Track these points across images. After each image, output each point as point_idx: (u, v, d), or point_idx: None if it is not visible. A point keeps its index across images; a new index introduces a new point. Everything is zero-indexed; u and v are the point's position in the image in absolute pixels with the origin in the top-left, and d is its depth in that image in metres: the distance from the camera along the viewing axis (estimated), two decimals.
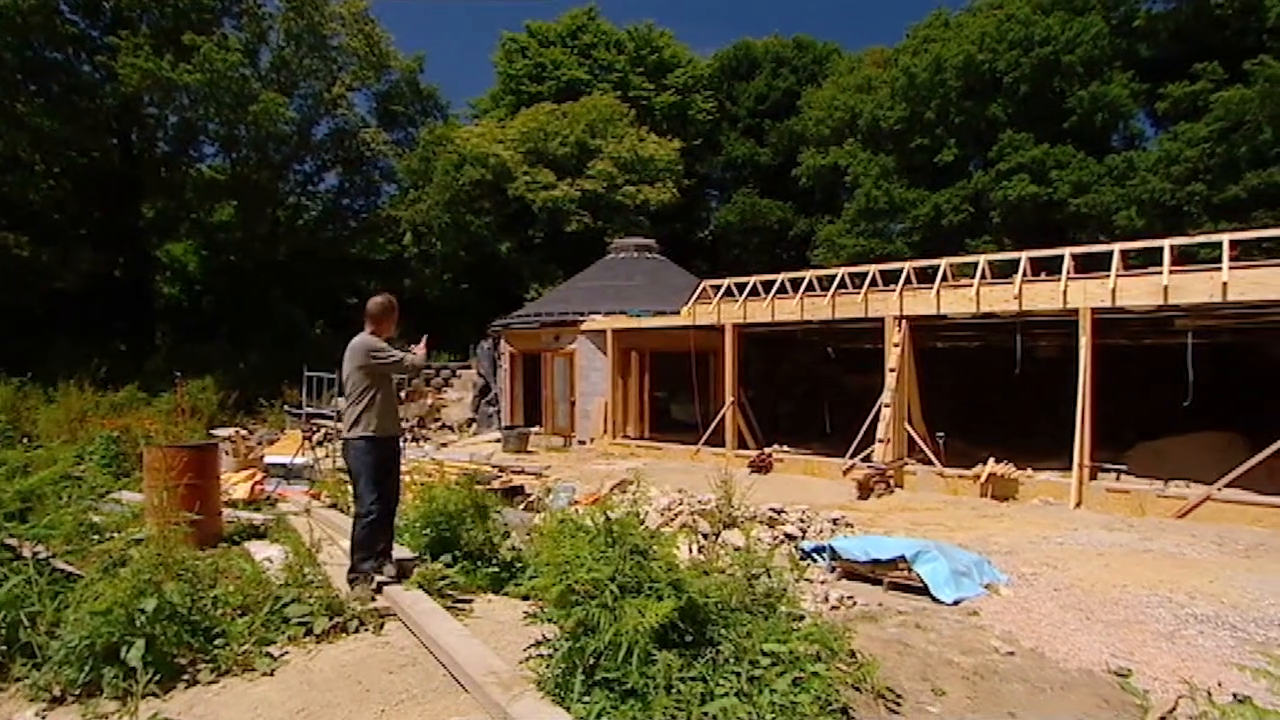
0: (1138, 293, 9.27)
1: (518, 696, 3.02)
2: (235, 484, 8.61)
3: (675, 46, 33.52)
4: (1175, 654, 4.28)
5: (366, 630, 4.32)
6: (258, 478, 9.09)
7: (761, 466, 11.99)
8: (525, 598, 4.67)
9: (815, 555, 6.13)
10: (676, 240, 29.42)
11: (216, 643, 3.84)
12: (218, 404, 18.09)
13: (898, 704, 3.37)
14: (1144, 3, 23.69)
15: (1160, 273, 9.13)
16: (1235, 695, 2.93)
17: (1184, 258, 10.23)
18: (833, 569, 5.84)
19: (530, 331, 17.84)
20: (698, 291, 14.47)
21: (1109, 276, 9.46)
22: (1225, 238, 9.19)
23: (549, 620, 2.96)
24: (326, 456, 12.40)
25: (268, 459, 11.52)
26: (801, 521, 7.03)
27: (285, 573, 4.67)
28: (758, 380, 16.00)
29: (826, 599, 5.09)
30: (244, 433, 14.69)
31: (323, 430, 15.88)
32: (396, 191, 31.34)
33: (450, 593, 4.87)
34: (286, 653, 3.94)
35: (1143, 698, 3.50)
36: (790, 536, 6.62)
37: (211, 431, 14.36)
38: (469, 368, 22.72)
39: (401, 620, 4.46)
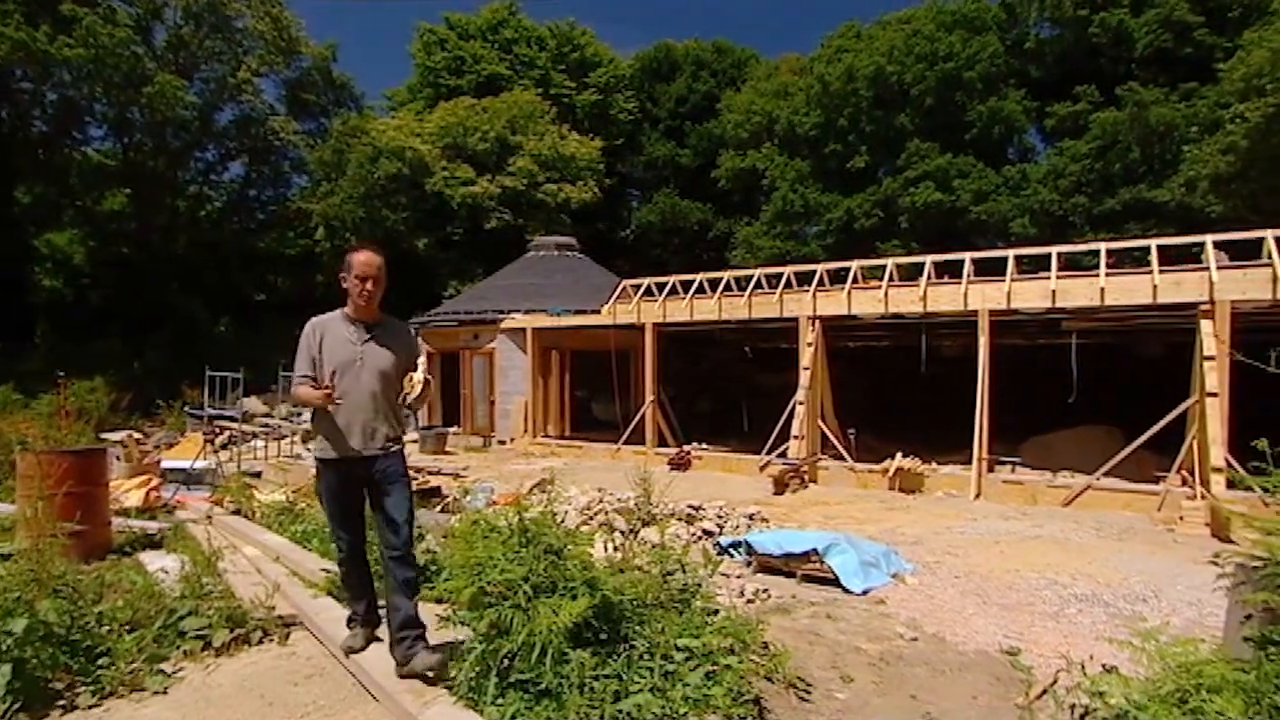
0: (1030, 296, 9.91)
1: (430, 703, 2.96)
2: (128, 491, 8.04)
3: (597, 45, 33.50)
4: (1058, 632, 4.61)
5: (271, 641, 4.13)
6: (153, 484, 8.52)
7: (681, 464, 12.14)
8: (440, 601, 4.57)
9: (732, 550, 6.25)
10: (598, 239, 29.42)
11: (100, 663, 3.57)
12: (109, 406, 16.85)
13: (808, 692, 3.49)
14: (1034, 27, 25.37)
15: (1049, 278, 9.80)
16: (1104, 666, 3.19)
17: (1070, 264, 10.99)
18: (749, 563, 5.98)
19: (449, 330, 17.47)
20: (618, 291, 14.52)
21: (1004, 281, 10.08)
22: (1103, 247, 9.96)
23: (461, 623, 2.91)
24: (230, 460, 11.76)
25: (165, 464, 10.82)
26: (719, 517, 7.16)
27: (182, 584, 4.40)
28: (678, 379, 16.19)
29: (742, 593, 5.20)
30: (138, 436, 13.73)
31: (227, 433, 15.06)
32: (308, 184, 30.03)
33: None
34: (182, 669, 3.72)
35: (1028, 674, 3.75)
36: (708, 532, 6.73)
37: (101, 435, 13.36)
38: None
39: (309, 629, 4.29)
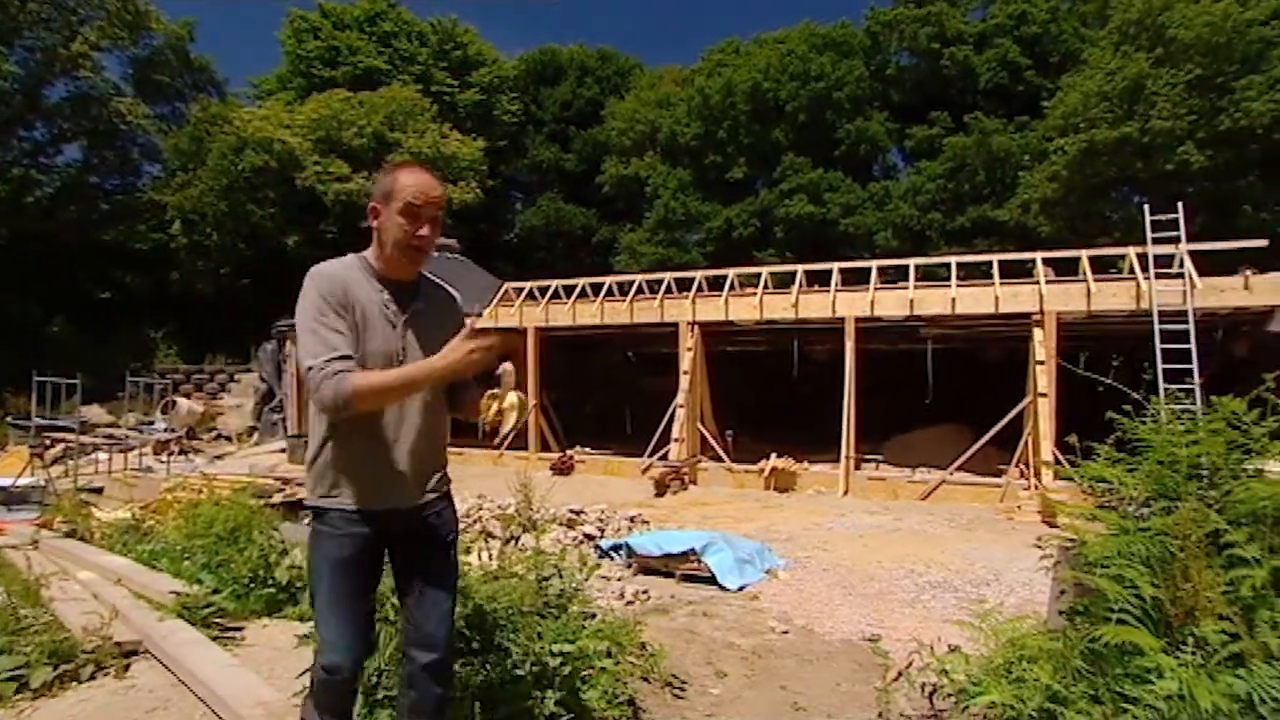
0: (891, 305, 10.65)
1: None
2: None
3: (480, 44, 32.83)
4: (914, 617, 4.97)
5: (106, 674, 3.72)
6: None
7: (563, 468, 12.10)
8: (306, 619, 4.32)
9: (613, 553, 6.30)
10: (480, 241, 28.80)
11: None
12: None
13: (683, 689, 3.56)
14: (895, 55, 27.38)
15: (908, 288, 10.58)
16: (950, 646, 3.47)
17: (927, 276, 11.91)
18: (629, 565, 6.04)
19: None
20: (500, 293, 14.30)
21: (868, 290, 10.77)
22: (954, 260, 10.89)
23: None
24: (65, 475, 10.58)
25: None
26: (600, 521, 7.20)
27: None
28: (562, 383, 16.13)
29: (622, 595, 5.25)
30: None
31: (61, 445, 13.56)
32: (162, 173, 27.50)
33: (218, 620, 4.36)
34: None
35: (886, 658, 4.02)
36: (589, 536, 6.74)
37: None
38: (250, 371, 20.54)
39: (155, 656, 3.91)
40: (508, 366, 2.17)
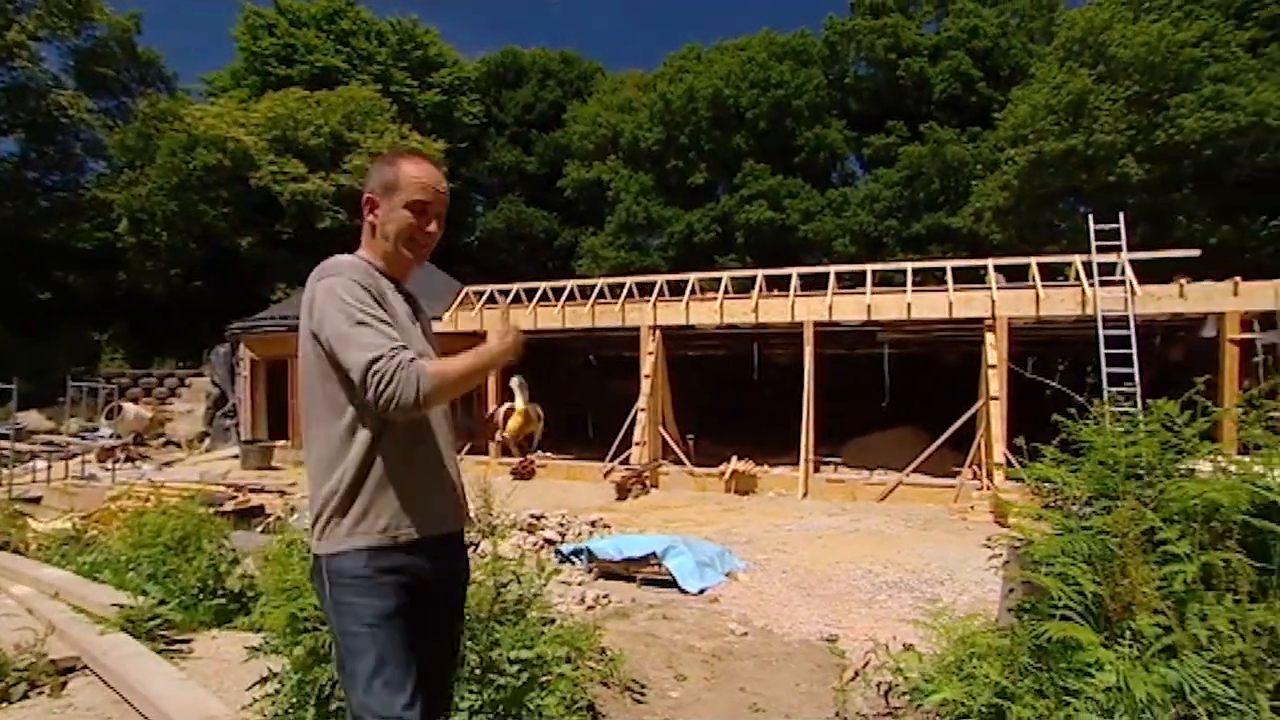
0: (849, 309, 10.84)
1: None
2: None
3: (441, 45, 32.49)
4: (871, 617, 5.05)
5: (40, 693, 3.57)
6: None
7: (524, 473, 12.00)
8: (258, 630, 4.21)
9: (574, 557, 6.27)
10: (440, 244, 28.41)
11: None
12: None
13: (643, 693, 3.57)
14: (853, 65, 27.96)
15: (865, 293, 10.77)
16: (905, 645, 3.55)
17: (883, 281, 12.14)
18: (590, 569, 6.02)
19: (275, 336, 16.13)
20: (460, 297, 14.15)
21: (827, 295, 10.94)
22: (909, 266, 11.14)
23: (275, 652, 2.69)
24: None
25: None
26: (561, 525, 7.17)
27: None
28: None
29: (583, 599, 5.23)
30: None
31: None
32: (107, 170, 26.53)
33: (164, 633, 4.22)
34: None
35: (843, 658, 4.08)
36: (550, 541, 6.71)
37: None
38: (202, 375, 19.92)
39: (95, 672, 3.76)
40: (520, 379, 2.11)
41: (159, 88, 27.68)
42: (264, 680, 2.71)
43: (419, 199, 1.76)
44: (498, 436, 2.03)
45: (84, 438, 15.84)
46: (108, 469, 13.10)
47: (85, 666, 3.83)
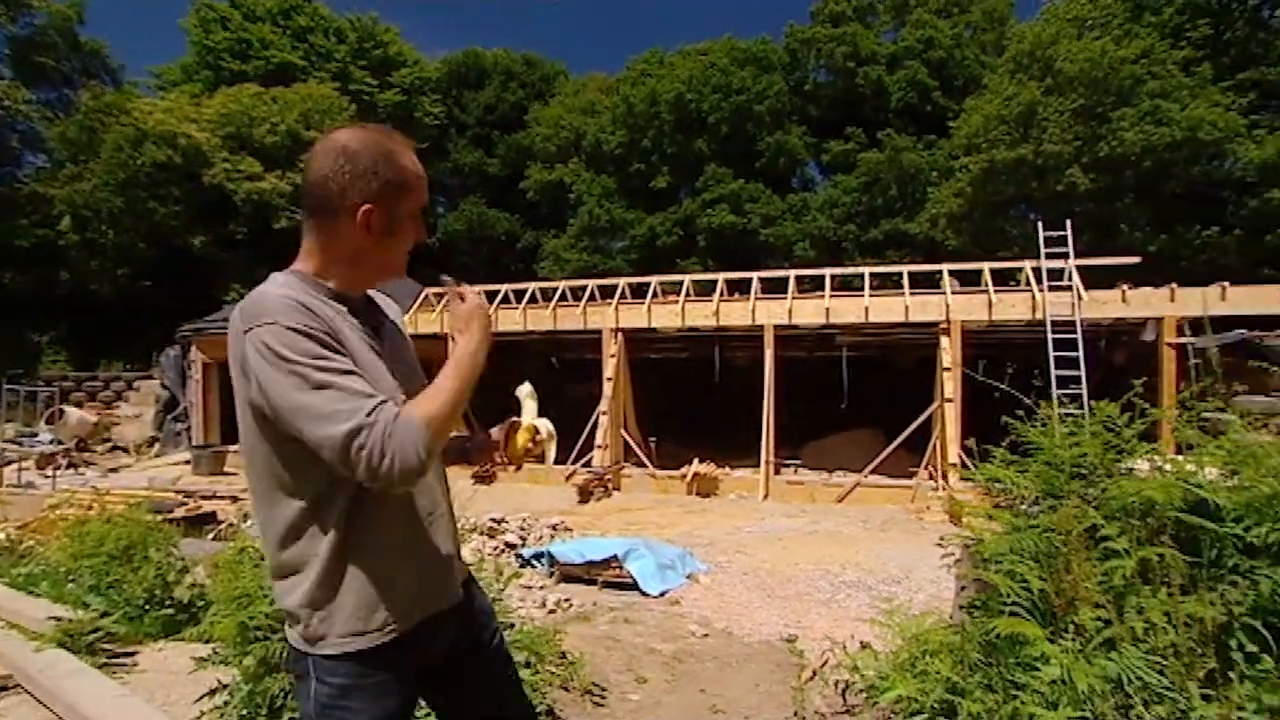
0: (808, 313, 10.99)
1: None
2: None
3: (401, 44, 32.05)
4: (830, 617, 5.13)
5: None
6: None
7: (485, 477, 11.84)
8: (207, 640, 4.09)
9: (535, 561, 6.24)
10: None
11: None
12: None
13: (603, 696, 3.57)
14: (812, 72, 28.37)
15: (824, 297, 10.94)
16: (861, 644, 3.61)
17: (842, 286, 12.36)
18: (551, 573, 6.00)
19: (228, 337, 15.70)
20: (419, 299, 13.97)
21: (787, 299, 11.09)
22: (867, 271, 11.35)
23: (223, 662, 2.62)
24: None
25: None
26: (522, 529, 7.13)
27: None
28: (484, 389, 15.85)
29: (544, 603, 5.21)
30: None
31: None
32: (47, 164, 25.51)
33: (106, 647, 4.06)
34: None
35: (802, 658, 4.13)
36: (511, 545, 6.66)
37: None
38: (151, 378, 19.25)
39: (28, 691, 3.61)
40: (529, 388, 1.77)
41: (103, 79, 26.70)
42: (213, 692, 2.64)
43: (418, 205, 1.42)
44: (498, 458, 1.67)
45: (21, 444, 15.17)
46: (48, 476, 12.59)
47: (18, 685, 3.68)
